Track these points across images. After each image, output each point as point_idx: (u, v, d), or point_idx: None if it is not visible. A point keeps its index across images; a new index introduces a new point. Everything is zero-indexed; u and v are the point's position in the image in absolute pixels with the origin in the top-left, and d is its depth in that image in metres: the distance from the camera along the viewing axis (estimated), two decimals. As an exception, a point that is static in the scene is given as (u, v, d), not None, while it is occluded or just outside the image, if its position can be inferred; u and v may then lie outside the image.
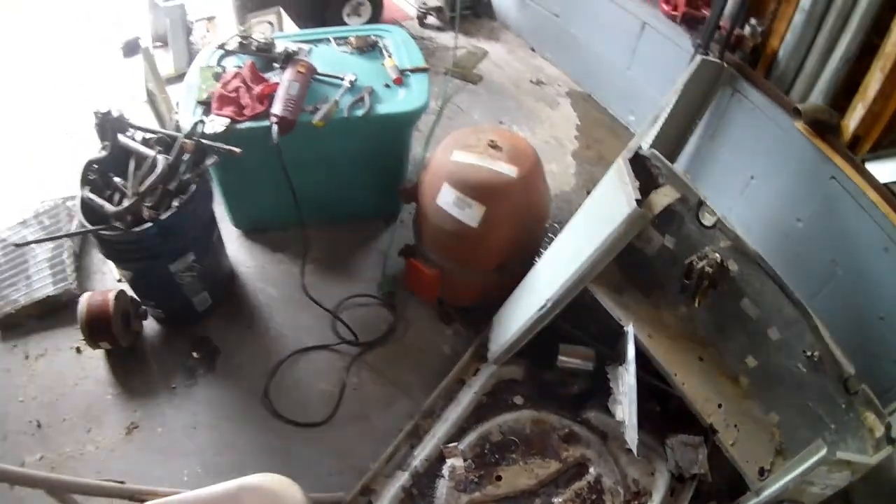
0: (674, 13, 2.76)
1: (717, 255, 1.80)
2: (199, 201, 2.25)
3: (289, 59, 2.46)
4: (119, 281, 2.68)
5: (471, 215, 2.22)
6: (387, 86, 2.50)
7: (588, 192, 2.85)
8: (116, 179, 2.26)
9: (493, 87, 3.43)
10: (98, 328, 2.39)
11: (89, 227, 2.12)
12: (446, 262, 2.37)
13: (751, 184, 2.56)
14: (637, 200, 1.65)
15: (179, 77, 3.29)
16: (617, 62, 3.22)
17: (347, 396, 2.34)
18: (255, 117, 2.35)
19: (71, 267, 2.75)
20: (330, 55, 2.65)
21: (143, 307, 2.53)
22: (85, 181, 2.25)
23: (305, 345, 2.49)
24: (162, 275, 2.28)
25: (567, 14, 3.45)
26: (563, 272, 1.96)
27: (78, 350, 2.62)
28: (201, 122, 2.23)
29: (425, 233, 2.38)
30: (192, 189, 2.17)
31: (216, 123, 2.29)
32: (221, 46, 2.64)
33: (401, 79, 2.50)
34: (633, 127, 3.26)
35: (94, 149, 2.32)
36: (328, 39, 2.77)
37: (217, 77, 2.52)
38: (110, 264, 2.88)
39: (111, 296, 2.42)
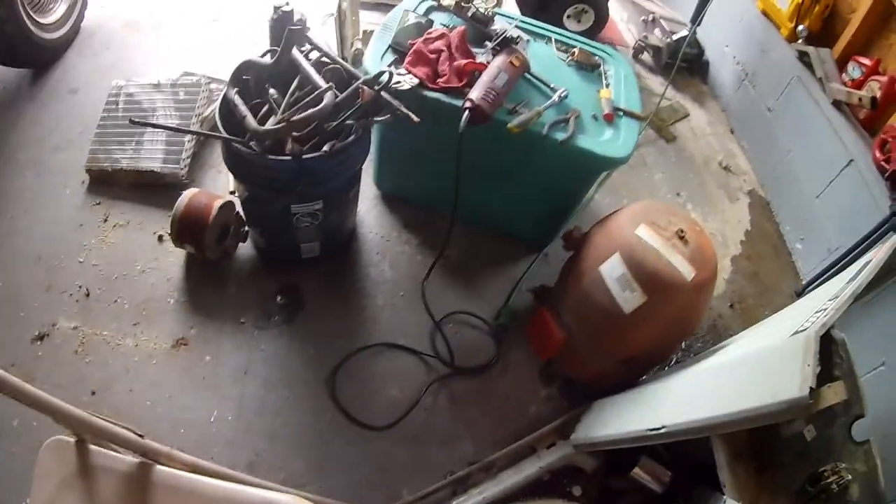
0: (884, 165, 2.40)
1: (849, 475, 1.51)
2: (352, 154, 1.98)
3: (506, 43, 2.15)
4: (232, 193, 2.45)
5: (628, 299, 1.90)
6: (594, 118, 2.16)
7: (731, 306, 2.52)
8: (271, 91, 2.02)
9: (682, 154, 3.06)
10: (190, 229, 2.19)
11: (224, 133, 1.87)
12: (578, 331, 2.06)
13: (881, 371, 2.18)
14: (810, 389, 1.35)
15: (376, 5, 3.05)
16: (809, 185, 2.83)
17: (415, 414, 2.06)
18: (447, 91, 2.05)
19: (188, 152, 2.54)
20: (547, 57, 2.33)
21: (246, 229, 2.29)
22: (235, 81, 2.01)
23: (396, 341, 2.22)
24: (280, 209, 2.03)
25: (780, 113, 3.06)
26: (693, 409, 1.67)
27: (160, 238, 2.43)
28: (389, 73, 1.94)
29: (570, 291, 2.07)
30: (350, 140, 1.90)
31: (405, 80, 2.01)
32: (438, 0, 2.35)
33: (612, 116, 2.16)
34: (797, 255, 2.89)
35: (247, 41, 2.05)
36: (549, 39, 2.44)
37: (419, 29, 2.23)
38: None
39: (217, 203, 2.20)
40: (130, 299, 2.27)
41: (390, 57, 2.17)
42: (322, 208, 2.05)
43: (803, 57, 2.93)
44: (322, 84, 1.89)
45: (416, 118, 1.87)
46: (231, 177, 2.46)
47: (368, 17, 3.01)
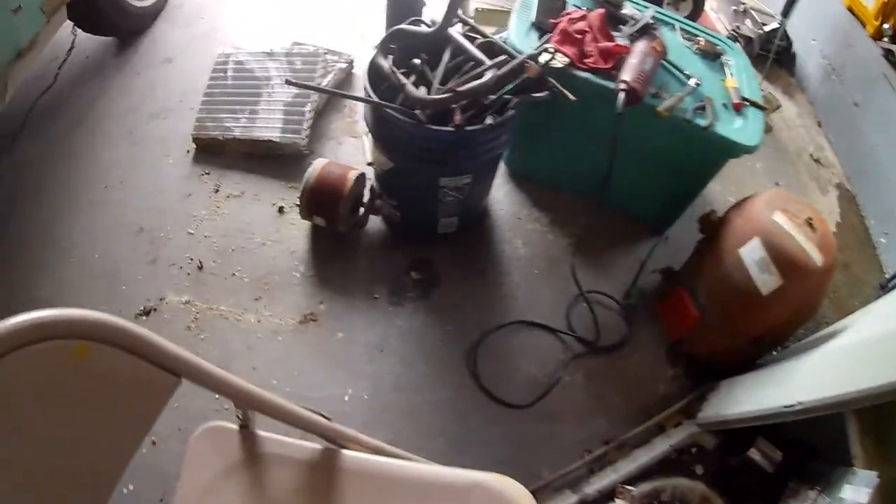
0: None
1: None
2: (508, 129, 1.99)
3: (646, 30, 2.17)
4: (370, 164, 2.41)
5: (766, 282, 1.94)
6: (724, 106, 2.19)
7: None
8: (416, 61, 2.02)
9: (777, 144, 3.09)
10: (323, 201, 2.15)
11: (376, 99, 1.84)
12: (712, 310, 2.12)
13: None
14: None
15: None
16: (895, 180, 2.91)
17: (553, 392, 2.06)
18: (595, 71, 2.07)
19: (308, 122, 2.52)
20: (676, 45, 2.33)
21: (380, 201, 2.27)
22: (385, 48, 2.01)
23: (532, 318, 2.18)
24: (426, 182, 2.02)
25: (867, 109, 3.09)
26: (828, 386, 1.72)
27: (280, 210, 2.40)
28: (548, 51, 1.96)
29: (707, 272, 2.11)
30: (510, 114, 1.90)
31: (557, 58, 2.02)
32: (572, -21, 2.35)
33: (741, 105, 2.19)
34: (881, 249, 2.94)
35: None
36: (673, 26, 2.46)
37: (555, 10, 2.24)
38: (352, 142, 2.64)
39: (352, 174, 2.18)
40: (250, 273, 2.21)
41: (534, 34, 2.17)
42: (470, 182, 2.04)
43: (888, 55, 2.97)
44: (482, 58, 1.90)
45: (572, 96, 1.88)
46: (368, 147, 2.45)
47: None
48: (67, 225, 2.30)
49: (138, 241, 2.27)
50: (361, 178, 2.23)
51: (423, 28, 2.02)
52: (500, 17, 2.77)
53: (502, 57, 1.94)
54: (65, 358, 0.67)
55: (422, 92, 1.88)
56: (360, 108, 2.68)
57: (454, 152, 1.89)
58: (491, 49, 2.02)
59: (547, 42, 2.08)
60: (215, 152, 2.55)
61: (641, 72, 1.99)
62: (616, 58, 2.07)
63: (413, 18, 2.10)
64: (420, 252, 2.32)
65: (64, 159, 2.52)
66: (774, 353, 2.14)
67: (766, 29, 3.41)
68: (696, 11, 3.22)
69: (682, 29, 2.43)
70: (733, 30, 3.47)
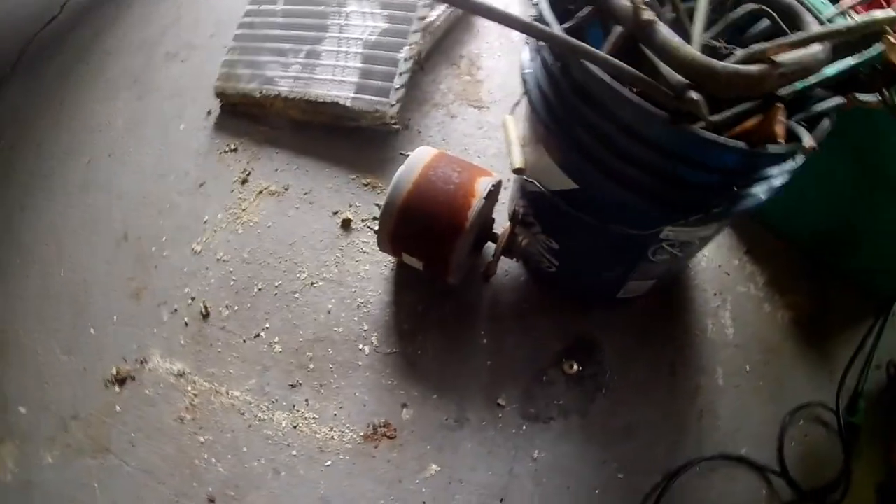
0: None
1: None
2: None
3: None
4: (516, 171, 1.25)
5: None
6: None
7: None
8: None
9: None
10: (422, 234, 1.18)
11: (573, 41, 0.80)
12: None
13: None
14: None
15: None
16: None
17: None
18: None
19: (404, 77, 1.47)
20: None
21: (526, 237, 1.21)
22: None
23: (737, 449, 1.24)
24: (640, 233, 0.96)
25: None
26: None
27: (346, 225, 1.50)
28: None
29: None
30: (824, 126, 0.85)
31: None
32: None
33: None
34: None
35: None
36: None
37: None
38: (475, 116, 1.62)
39: (481, 187, 1.14)
40: (286, 336, 1.30)
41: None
42: (708, 235, 0.98)
43: None
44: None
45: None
46: (515, 136, 1.31)
47: None
48: (33, 216, 1.56)
49: (119, 257, 1.45)
50: (495, 191, 1.18)
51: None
52: None
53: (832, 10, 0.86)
54: None
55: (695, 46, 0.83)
56: (496, 58, 1.71)
57: (722, 189, 0.85)
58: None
59: None
60: (250, 116, 1.61)
61: None
62: None
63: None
64: (579, 325, 1.33)
65: (49, 114, 1.75)
66: None
67: None
68: None
69: None
70: None
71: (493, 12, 0.81)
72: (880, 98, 0.86)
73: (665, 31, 0.77)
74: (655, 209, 0.89)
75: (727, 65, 0.75)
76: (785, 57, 0.75)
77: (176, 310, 1.36)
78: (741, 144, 0.77)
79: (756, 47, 0.81)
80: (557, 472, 1.18)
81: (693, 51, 0.76)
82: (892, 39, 0.80)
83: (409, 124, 1.55)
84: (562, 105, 0.90)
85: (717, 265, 1.44)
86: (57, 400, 1.26)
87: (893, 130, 1.10)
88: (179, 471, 1.16)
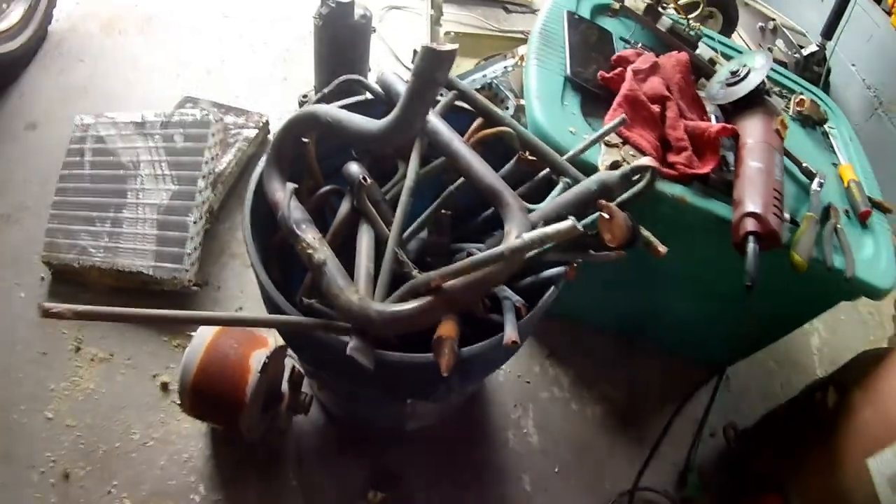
0: None
1: None
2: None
3: (759, 96, 1.17)
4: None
5: None
6: (847, 215, 1.25)
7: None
8: (352, 169, 1.03)
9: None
10: (215, 404, 1.23)
11: (281, 317, 0.89)
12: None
13: None
14: None
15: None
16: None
17: None
18: (685, 179, 1.09)
19: (196, 239, 1.54)
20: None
21: (309, 393, 1.31)
22: (281, 157, 1.01)
23: None
24: (384, 409, 1.08)
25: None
26: None
27: (164, 387, 1.48)
28: (651, 173, 0.92)
29: (810, 475, 1.27)
30: (544, 303, 0.92)
31: (628, 156, 1.03)
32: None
33: (869, 213, 1.24)
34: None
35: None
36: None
37: (600, 53, 1.25)
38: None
39: (255, 358, 1.24)
40: (131, 490, 1.35)
41: (573, 99, 1.18)
42: (448, 392, 1.10)
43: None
44: (503, 193, 0.88)
45: (662, 249, 0.90)
46: None
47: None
48: None
49: None
50: (277, 355, 1.29)
51: (364, 106, 1.02)
52: (479, 45, 1.97)
53: (527, 185, 0.95)
54: None
55: (362, 266, 0.92)
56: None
57: (433, 384, 0.93)
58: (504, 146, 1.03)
59: (615, 126, 1.05)
60: (76, 283, 1.62)
61: (773, 191, 1.02)
62: (718, 150, 1.09)
63: (347, 78, 1.12)
64: (380, 457, 1.41)
65: None
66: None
67: (805, 52, 2.61)
68: (728, 31, 2.41)
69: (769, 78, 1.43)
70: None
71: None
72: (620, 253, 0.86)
73: (330, 275, 0.81)
74: (388, 397, 0.99)
75: (383, 309, 0.78)
76: (458, 284, 0.76)
77: (43, 472, 1.36)
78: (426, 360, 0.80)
79: (421, 277, 0.81)
80: None
81: (350, 298, 0.79)
82: (605, 216, 0.81)
83: (208, 280, 1.59)
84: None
85: (516, 376, 1.55)
86: None
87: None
88: None
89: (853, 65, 2.90)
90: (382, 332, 0.79)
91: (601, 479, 1.42)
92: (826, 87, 2.81)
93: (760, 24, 2.94)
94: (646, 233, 0.86)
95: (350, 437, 1.42)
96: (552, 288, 0.90)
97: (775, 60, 2.54)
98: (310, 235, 0.84)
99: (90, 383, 1.51)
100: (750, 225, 0.96)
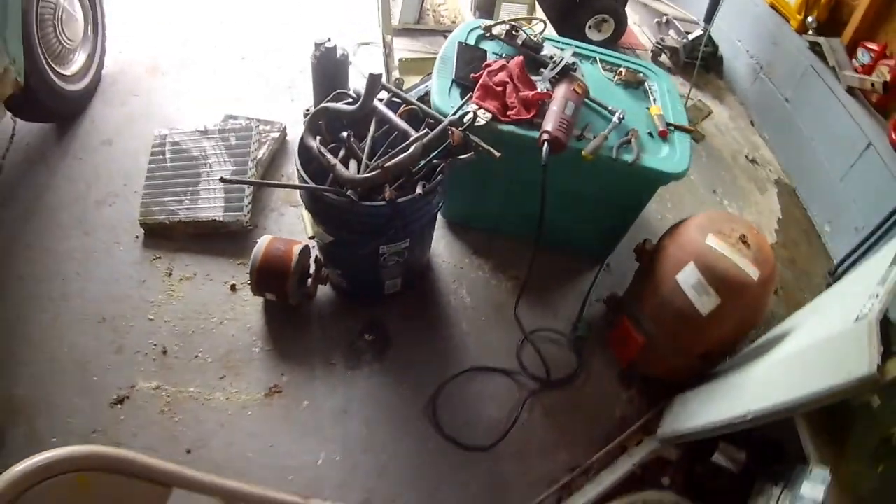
0: (899, 145, 2.52)
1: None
2: (440, 192, 1.98)
3: (566, 72, 2.16)
4: (311, 238, 2.41)
5: (704, 303, 2.00)
6: (650, 135, 2.20)
7: (775, 292, 2.61)
8: (343, 134, 1.99)
9: (712, 151, 3.13)
10: (271, 278, 2.16)
11: (312, 184, 1.86)
12: (657, 334, 2.14)
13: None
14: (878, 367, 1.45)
15: (402, 31, 2.98)
16: (832, 170, 2.94)
17: (514, 431, 2.12)
18: (518, 123, 2.06)
19: (249, 198, 2.49)
20: (597, 79, 2.35)
21: (325, 271, 2.28)
22: (313, 128, 1.98)
23: (486, 364, 2.25)
24: (368, 252, 2.03)
25: (797, 103, 3.14)
26: (774, 394, 1.77)
27: (233, 288, 2.39)
28: (473, 112, 1.95)
29: (648, 299, 2.14)
30: (439, 179, 1.90)
31: (480, 116, 2.01)
32: (487, 29, 2.33)
33: (667, 132, 2.19)
34: (826, 238, 2.98)
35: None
36: (594, 59, 2.46)
37: (474, 62, 2.23)
38: (293, 211, 2.64)
39: (296, 249, 2.18)
40: (212, 352, 2.21)
41: (456, 92, 2.16)
42: (409, 246, 2.06)
43: (814, 47, 3.00)
44: (409, 130, 1.88)
45: (497, 154, 1.87)
46: (308, 221, 2.42)
47: (397, 44, 2.97)
48: (33, 322, 2.25)
49: (102, 332, 2.23)
50: (306, 251, 2.22)
51: (348, 105, 2.03)
52: (425, 65, 2.80)
53: (424, 129, 1.93)
54: (66, 490, 0.79)
55: (351, 170, 1.88)
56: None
57: (389, 224, 1.90)
58: (416, 114, 2.00)
59: (469, 100, 2.06)
60: (164, 236, 2.53)
61: (563, 118, 2.00)
62: (538, 105, 2.07)
63: (338, 91, 2.08)
64: (370, 314, 2.35)
65: (20, 252, 2.45)
66: (728, 359, 2.20)
67: (691, 37, 3.43)
68: (619, 31, 3.24)
69: (602, 61, 2.43)
70: (657, 42, 3.49)
71: (268, 183, 1.85)
72: (473, 154, 1.86)
73: (339, 167, 1.83)
74: (370, 240, 1.94)
75: (363, 175, 1.81)
76: (389, 163, 1.78)
77: (146, 353, 2.18)
78: (382, 202, 1.77)
79: (379, 161, 1.86)
80: (373, 393, 2.14)
81: (349, 174, 1.81)
82: (454, 135, 1.83)
83: (257, 223, 2.58)
84: (316, 203, 1.94)
85: (453, 264, 2.53)
86: (77, 423, 1.98)
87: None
88: (168, 441, 1.94)
89: (739, 41, 3.55)
90: (361, 185, 1.82)
91: (513, 326, 2.35)
92: (719, 62, 3.64)
93: (657, 19, 3.74)
94: (485, 145, 1.82)
95: (350, 302, 2.41)
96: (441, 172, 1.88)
97: (668, 48, 3.37)
98: (329, 156, 1.80)
99: (180, 293, 2.40)
100: (544, 136, 1.92)
